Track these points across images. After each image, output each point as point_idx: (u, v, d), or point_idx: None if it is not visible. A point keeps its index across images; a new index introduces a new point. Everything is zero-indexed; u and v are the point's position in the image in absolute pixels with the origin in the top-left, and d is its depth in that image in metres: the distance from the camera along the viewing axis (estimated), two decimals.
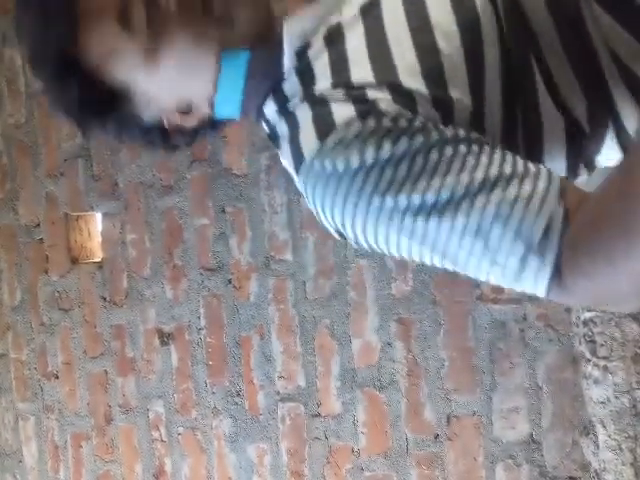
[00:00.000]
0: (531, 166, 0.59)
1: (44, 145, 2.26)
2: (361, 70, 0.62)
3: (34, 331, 2.29)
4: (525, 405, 1.51)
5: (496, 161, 0.58)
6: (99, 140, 2.17)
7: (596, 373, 1.44)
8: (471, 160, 0.58)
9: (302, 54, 0.67)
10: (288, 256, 1.81)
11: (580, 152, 0.69)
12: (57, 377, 2.24)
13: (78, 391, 2.20)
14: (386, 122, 0.59)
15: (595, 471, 1.44)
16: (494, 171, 0.57)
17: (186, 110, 0.73)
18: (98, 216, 2.21)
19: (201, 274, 1.94)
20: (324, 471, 1.76)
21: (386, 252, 0.63)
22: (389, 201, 0.58)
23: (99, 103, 0.71)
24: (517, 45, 0.65)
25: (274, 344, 1.83)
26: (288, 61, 0.68)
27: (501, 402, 1.54)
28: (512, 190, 0.56)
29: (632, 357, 1.40)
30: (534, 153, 0.66)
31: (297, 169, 0.64)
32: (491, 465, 1.55)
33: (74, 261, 2.21)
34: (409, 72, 0.62)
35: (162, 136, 0.75)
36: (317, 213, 0.64)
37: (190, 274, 1.96)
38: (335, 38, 0.66)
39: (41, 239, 2.28)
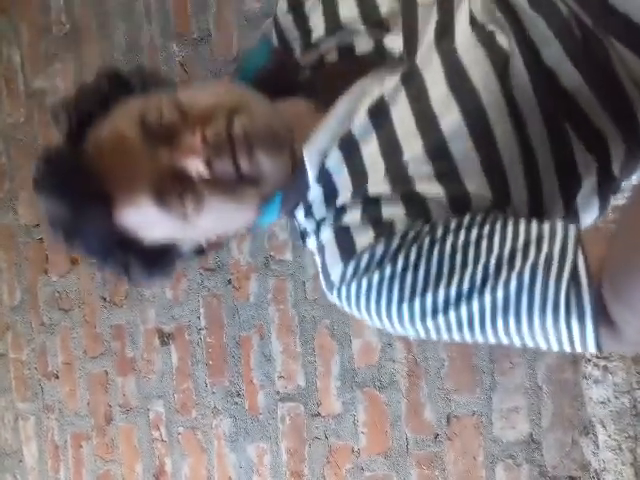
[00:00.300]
0: (545, 227, 0.60)
1: (44, 145, 2.26)
2: (378, 183, 0.65)
3: (34, 331, 2.29)
4: (525, 405, 1.51)
5: (509, 236, 0.60)
6: None
7: (596, 373, 1.44)
8: (484, 244, 0.60)
9: (322, 167, 0.69)
10: (288, 256, 1.81)
11: (612, 190, 0.69)
12: (57, 377, 2.24)
13: (78, 391, 2.20)
14: (396, 240, 0.63)
15: (595, 471, 1.44)
16: (509, 246, 0.59)
17: (225, 234, 0.77)
18: None
19: (201, 274, 1.94)
20: (324, 471, 1.77)
21: (430, 340, 0.66)
22: (417, 304, 0.62)
23: (145, 261, 0.73)
24: (545, 106, 0.64)
25: (274, 344, 1.83)
26: (311, 174, 0.69)
27: (501, 402, 1.54)
28: (530, 258, 0.58)
29: (632, 357, 1.40)
30: (570, 208, 0.67)
31: (328, 288, 0.69)
32: (491, 465, 1.55)
33: (74, 261, 2.21)
34: (424, 178, 0.64)
35: (199, 254, 0.78)
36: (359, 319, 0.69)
37: (190, 274, 1.96)
38: (350, 148, 0.67)
39: (41, 239, 2.27)
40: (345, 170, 0.67)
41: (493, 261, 0.59)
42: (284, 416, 1.82)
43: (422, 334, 0.64)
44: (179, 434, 2.01)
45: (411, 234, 0.62)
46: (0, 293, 2.38)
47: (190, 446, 1.98)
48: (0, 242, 2.38)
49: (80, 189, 0.66)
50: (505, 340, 0.62)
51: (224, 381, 1.91)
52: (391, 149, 0.65)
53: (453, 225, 0.61)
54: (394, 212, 0.64)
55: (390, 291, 0.63)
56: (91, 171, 0.67)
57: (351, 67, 0.70)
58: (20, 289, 2.33)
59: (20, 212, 2.32)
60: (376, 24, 0.70)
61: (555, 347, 0.61)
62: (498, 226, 0.61)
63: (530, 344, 0.61)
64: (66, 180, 0.67)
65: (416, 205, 0.63)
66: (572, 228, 0.60)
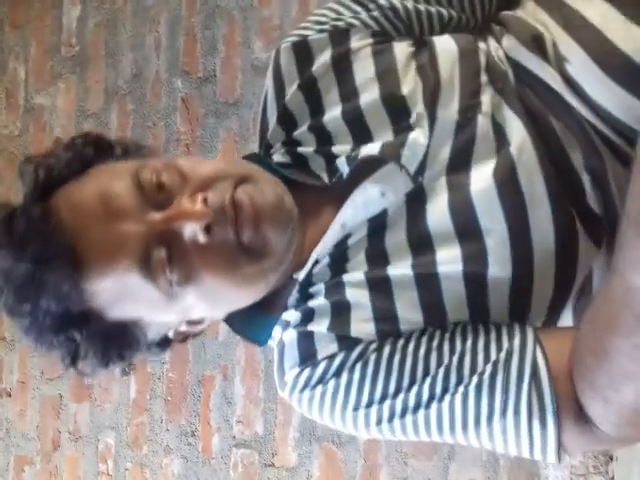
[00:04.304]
0: (503, 327, 0.60)
1: None
2: (356, 292, 0.63)
3: None
4: (481, 478, 1.50)
5: (470, 338, 0.60)
6: None
7: None
8: (446, 348, 0.59)
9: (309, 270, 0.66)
10: None
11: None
12: (10, 395, 2.17)
13: (29, 412, 2.13)
14: (357, 350, 0.61)
15: None
16: (469, 348, 0.59)
17: (199, 321, 0.67)
18: None
19: None
20: None
21: (385, 439, 0.64)
22: (373, 411, 0.60)
23: (101, 344, 0.62)
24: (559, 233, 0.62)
25: (236, 387, 1.80)
26: (301, 275, 0.66)
27: (457, 472, 1.53)
28: (491, 357, 0.58)
29: None
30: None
31: (280, 386, 0.66)
32: None
33: None
34: (407, 302, 0.62)
35: (162, 345, 0.68)
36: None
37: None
38: (339, 257, 0.65)
39: None
40: (328, 276, 0.65)
41: (455, 363, 0.58)
42: (237, 463, 1.78)
43: (376, 435, 0.62)
44: (126, 469, 1.94)
45: (373, 345, 0.61)
46: None
47: None
48: None
49: (47, 242, 0.56)
50: (463, 442, 0.60)
51: (180, 419, 1.87)
52: (378, 260, 0.63)
53: (416, 334, 0.61)
54: (364, 330, 0.62)
55: (346, 398, 0.61)
56: (62, 226, 0.57)
57: (367, 163, 0.64)
58: None
59: None
60: (402, 128, 0.65)
61: (513, 451, 0.59)
62: (459, 329, 0.60)
63: (487, 446, 0.59)
64: (30, 230, 0.57)
65: (389, 324, 0.62)
66: (529, 327, 0.60)
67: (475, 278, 0.61)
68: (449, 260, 0.61)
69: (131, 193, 0.58)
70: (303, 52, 0.69)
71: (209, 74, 1.97)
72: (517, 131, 0.63)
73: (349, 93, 0.67)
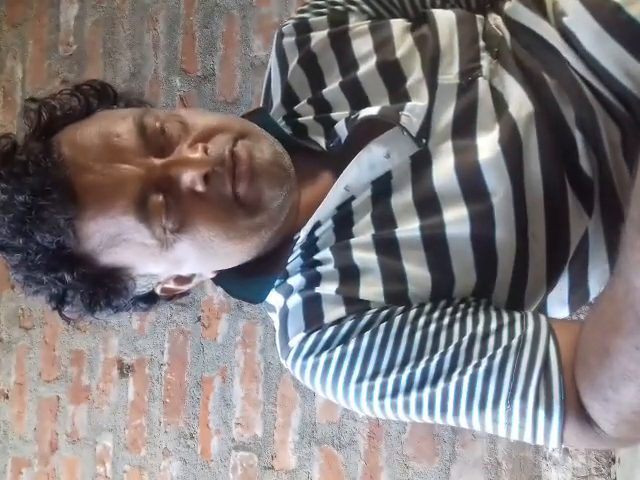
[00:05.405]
0: (516, 313, 0.60)
1: None
2: (363, 255, 0.62)
3: None
4: None
5: (482, 320, 0.59)
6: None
7: (556, 455, 1.42)
8: (456, 328, 0.58)
9: (311, 232, 0.65)
10: None
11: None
12: (7, 397, 2.16)
13: (26, 414, 2.11)
14: (366, 317, 0.60)
15: None
16: (481, 330, 0.58)
17: (187, 279, 0.67)
18: None
19: (171, 307, 1.91)
20: None
21: (385, 418, 0.62)
22: (378, 383, 0.59)
23: (90, 288, 0.62)
24: (551, 197, 0.62)
25: (235, 389, 1.79)
26: (301, 238, 0.65)
27: (459, 475, 1.51)
28: (503, 342, 0.57)
29: None
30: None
31: (283, 354, 0.64)
32: None
33: None
34: (414, 262, 0.61)
35: (148, 301, 0.68)
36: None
37: (159, 306, 1.92)
38: (344, 220, 0.64)
39: None
40: (333, 241, 0.64)
41: (465, 343, 0.57)
42: (236, 465, 1.77)
43: (377, 412, 0.61)
44: (124, 472, 1.93)
45: (384, 312, 0.60)
46: None
47: None
48: None
49: (47, 175, 0.56)
50: (465, 425, 0.59)
51: (179, 421, 1.85)
52: (384, 223, 0.63)
53: (427, 308, 0.60)
54: (373, 292, 0.61)
55: (351, 367, 0.59)
56: (62, 161, 0.58)
57: (365, 128, 0.64)
58: None
59: None
60: (399, 94, 0.66)
61: (515, 436, 0.58)
62: (470, 310, 0.60)
63: (489, 430, 0.59)
64: (30, 163, 0.57)
65: (397, 285, 0.61)
66: (543, 316, 0.59)
67: (482, 240, 0.61)
68: (456, 220, 0.61)
69: (133, 136, 0.59)
70: (303, 31, 0.71)
71: (208, 73, 1.95)
72: (515, 91, 0.63)
73: (349, 67, 0.69)
